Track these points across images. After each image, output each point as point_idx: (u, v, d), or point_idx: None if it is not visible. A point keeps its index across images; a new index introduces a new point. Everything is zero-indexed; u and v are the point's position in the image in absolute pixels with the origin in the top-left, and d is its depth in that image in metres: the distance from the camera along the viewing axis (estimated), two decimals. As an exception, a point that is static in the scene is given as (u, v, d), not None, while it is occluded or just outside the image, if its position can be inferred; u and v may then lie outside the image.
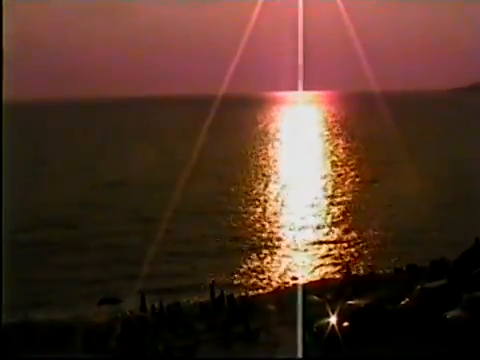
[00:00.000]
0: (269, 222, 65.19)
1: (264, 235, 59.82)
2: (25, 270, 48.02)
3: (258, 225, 64.08)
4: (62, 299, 42.42)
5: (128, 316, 33.44)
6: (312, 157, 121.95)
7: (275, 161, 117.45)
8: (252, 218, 67.29)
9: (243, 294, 38.77)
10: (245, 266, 50.09)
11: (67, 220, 67.05)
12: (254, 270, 49.33)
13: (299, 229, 61.67)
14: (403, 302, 31.41)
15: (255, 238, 58.85)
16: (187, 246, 55.25)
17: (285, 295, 37.74)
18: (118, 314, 34.00)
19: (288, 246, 55.86)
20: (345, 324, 29.13)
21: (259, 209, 71.84)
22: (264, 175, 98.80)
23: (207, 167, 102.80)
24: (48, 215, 69.56)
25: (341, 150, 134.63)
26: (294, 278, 46.46)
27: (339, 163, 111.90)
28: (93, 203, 76.76)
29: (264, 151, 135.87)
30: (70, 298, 42.39)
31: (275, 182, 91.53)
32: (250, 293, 41.61)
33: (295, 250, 54.40)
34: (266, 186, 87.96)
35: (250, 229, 62.44)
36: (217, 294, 36.41)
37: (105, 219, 67.55)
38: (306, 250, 54.17)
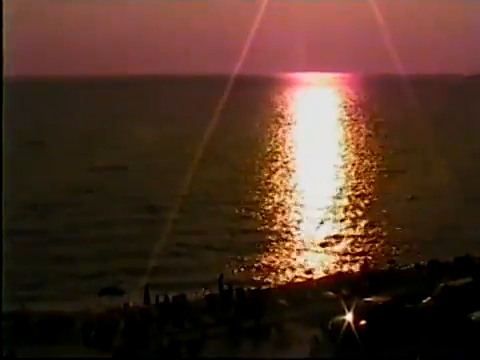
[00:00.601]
0: (283, 214, 65.49)
1: (277, 227, 60.15)
2: (18, 261, 48.34)
3: (271, 217, 64.36)
4: (58, 293, 42.69)
5: (131, 308, 33.83)
6: (330, 144, 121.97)
7: (291, 148, 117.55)
8: (265, 209, 67.53)
9: (253, 288, 39.09)
10: (256, 260, 50.44)
11: (64, 208, 67.39)
12: (266, 264, 49.73)
13: (315, 222, 61.98)
14: (424, 300, 31.40)
15: (268, 230, 59.14)
16: (194, 238, 55.53)
17: (298, 290, 38.10)
18: (120, 306, 34.34)
19: (302, 239, 56.19)
20: (362, 322, 29.21)
21: (273, 199, 72.06)
22: (279, 163, 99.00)
23: (217, 152, 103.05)
24: (43, 201, 69.94)
25: (362, 137, 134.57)
26: (308, 272, 46.87)
27: (360, 151, 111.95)
28: (92, 189, 77.15)
29: (279, 136, 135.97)
30: (66, 293, 42.66)
31: (291, 171, 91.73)
32: (261, 287, 41.93)
33: (310, 243, 54.69)
34: (281, 175, 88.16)
35: (263, 221, 62.76)
36: (226, 287, 36.72)
37: (105, 207, 67.84)
38: (321, 244, 54.49)
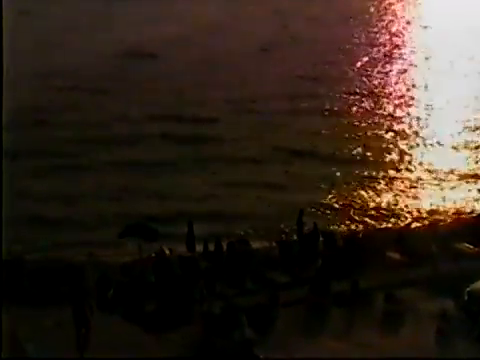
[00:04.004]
0: (400, 130, 65.83)
1: (388, 146, 61.20)
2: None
3: (380, 131, 65.32)
4: (62, 238, 43.57)
5: (167, 256, 34.56)
6: (471, 49, 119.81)
7: (414, 50, 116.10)
8: (371, 119, 68.50)
9: (350, 232, 39.55)
10: (354, 191, 51.31)
11: (67, 113, 68.60)
12: (368, 197, 50.44)
13: (440, 146, 62.15)
14: None
15: (374, 148, 60.11)
16: (252, 167, 56.13)
17: (417, 238, 38.32)
18: (151, 252, 35.12)
19: (424, 162, 57.13)
20: None
21: (385, 109, 72.59)
22: (396, 67, 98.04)
23: (298, 34, 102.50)
24: (42, 103, 71.23)
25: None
26: (433, 212, 47.21)
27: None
28: (107, 88, 78.12)
29: (401, 38, 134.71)
30: (73, 238, 43.53)
31: (414, 82, 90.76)
32: (361, 231, 42.30)
33: (437, 170, 55.32)
34: (400, 83, 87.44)
35: (363, 141, 62.97)
36: (308, 229, 37.08)
37: (125, 115, 68.55)
38: (452, 171, 55.09)
